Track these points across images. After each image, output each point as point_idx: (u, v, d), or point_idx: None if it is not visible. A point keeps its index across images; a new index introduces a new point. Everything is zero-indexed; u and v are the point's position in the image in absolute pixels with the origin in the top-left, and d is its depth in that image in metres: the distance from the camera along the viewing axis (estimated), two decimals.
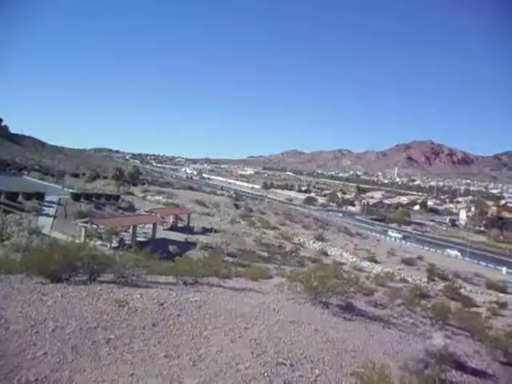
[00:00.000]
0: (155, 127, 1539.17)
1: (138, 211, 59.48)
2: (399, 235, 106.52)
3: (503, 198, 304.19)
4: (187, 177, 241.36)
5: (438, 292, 48.41)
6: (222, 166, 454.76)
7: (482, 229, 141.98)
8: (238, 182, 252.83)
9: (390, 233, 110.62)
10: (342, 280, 22.08)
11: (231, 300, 13.04)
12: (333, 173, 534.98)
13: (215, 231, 57.91)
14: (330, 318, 13.12)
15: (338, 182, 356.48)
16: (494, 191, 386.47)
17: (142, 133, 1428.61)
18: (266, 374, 7.49)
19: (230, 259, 41.37)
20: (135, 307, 10.18)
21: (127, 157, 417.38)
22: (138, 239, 44.10)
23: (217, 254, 38.36)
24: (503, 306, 45.89)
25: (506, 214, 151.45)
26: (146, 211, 55.08)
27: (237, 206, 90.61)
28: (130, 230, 45.21)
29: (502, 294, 55.36)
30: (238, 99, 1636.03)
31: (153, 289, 12.70)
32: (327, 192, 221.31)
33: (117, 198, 63.87)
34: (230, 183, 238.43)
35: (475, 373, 11.44)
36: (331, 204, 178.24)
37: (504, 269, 77.28)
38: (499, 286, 59.33)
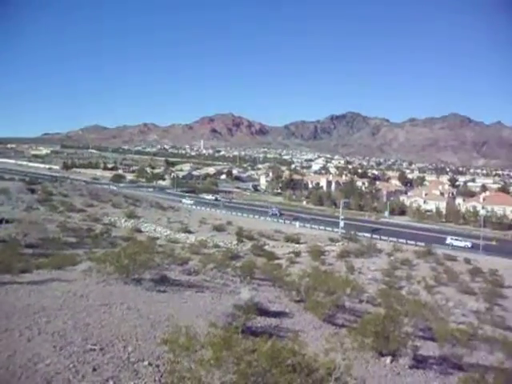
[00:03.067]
0: None
1: None
2: (191, 201, 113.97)
3: (293, 162, 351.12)
4: None
5: (246, 251, 53.23)
6: (10, 145, 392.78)
7: (279, 191, 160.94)
8: (31, 164, 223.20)
9: (184, 200, 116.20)
10: (156, 254, 22.09)
11: (29, 295, 11.54)
12: (140, 148, 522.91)
13: (7, 222, 50.26)
14: (143, 293, 12.94)
15: (146, 157, 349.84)
16: (286, 157, 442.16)
17: None
18: (71, 366, 6.89)
19: (30, 251, 36.69)
20: None
21: None
22: None
23: (10, 248, 33.39)
24: (298, 254, 53.69)
25: (296, 177, 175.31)
26: None
27: (32, 191, 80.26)
28: None
29: (297, 245, 64.46)
30: (23, 66, 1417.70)
31: None
32: (136, 168, 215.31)
33: None
34: (21, 165, 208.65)
35: (276, 314, 13.06)
36: (141, 180, 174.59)
37: (297, 223, 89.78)
38: (295, 239, 68.82)
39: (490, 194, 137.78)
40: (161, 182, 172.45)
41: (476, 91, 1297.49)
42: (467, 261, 57.77)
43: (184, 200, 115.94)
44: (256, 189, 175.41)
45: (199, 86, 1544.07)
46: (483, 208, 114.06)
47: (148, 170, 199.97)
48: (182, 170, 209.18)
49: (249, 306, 11.18)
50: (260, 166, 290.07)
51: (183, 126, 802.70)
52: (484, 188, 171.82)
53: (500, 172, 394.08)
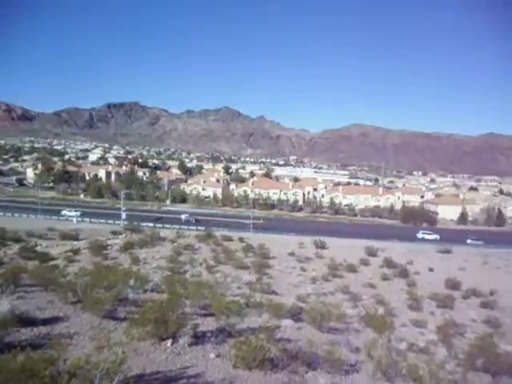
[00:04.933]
0: None
1: None
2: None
3: (67, 153, 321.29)
4: None
5: (12, 256, 46.08)
6: None
7: (52, 184, 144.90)
8: None
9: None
10: None
11: None
12: None
13: None
14: None
15: None
16: (59, 147, 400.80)
17: None
18: None
19: None
20: None
21: None
22: None
23: None
24: (77, 252, 49.62)
25: (71, 168, 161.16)
26: None
27: None
28: None
29: (75, 242, 59.46)
30: None
31: None
32: None
33: None
34: None
35: (46, 321, 11.66)
36: None
37: (74, 219, 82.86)
38: (73, 235, 63.36)
39: (257, 179, 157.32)
40: None
41: (244, 87, 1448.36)
42: (241, 239, 64.61)
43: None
44: (21, 183, 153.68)
45: None
46: (252, 191, 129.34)
47: None
48: None
49: (7, 319, 9.59)
50: (26, 157, 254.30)
51: None
52: (252, 174, 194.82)
53: (264, 160, 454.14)
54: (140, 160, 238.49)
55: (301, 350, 11.46)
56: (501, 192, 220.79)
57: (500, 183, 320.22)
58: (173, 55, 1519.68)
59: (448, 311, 34.30)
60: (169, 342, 10.78)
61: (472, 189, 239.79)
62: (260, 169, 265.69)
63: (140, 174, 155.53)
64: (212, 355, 10.61)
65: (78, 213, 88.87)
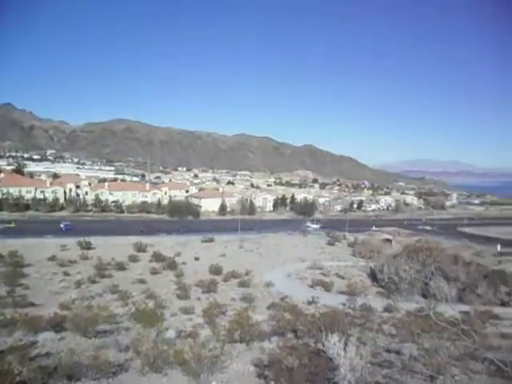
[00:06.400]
0: None
1: None
2: None
3: None
4: None
5: None
6: None
7: None
8: None
9: None
10: None
11: None
12: None
13: None
14: None
15: None
16: None
17: None
18: None
19: None
20: None
21: None
22: None
23: None
24: None
25: None
26: None
27: None
28: None
29: None
30: None
31: None
32: None
33: None
34: None
35: None
36: None
37: None
38: None
39: (5, 175, 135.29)
40: None
41: None
42: None
43: None
44: None
45: None
46: None
47: None
48: None
49: None
50: None
51: None
52: None
53: (14, 154, 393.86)
54: None
55: (61, 362, 10.37)
56: (252, 185, 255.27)
57: (251, 177, 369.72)
58: None
59: (212, 295, 37.58)
60: None
61: (229, 183, 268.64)
62: (9, 164, 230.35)
63: None
64: None
65: None
